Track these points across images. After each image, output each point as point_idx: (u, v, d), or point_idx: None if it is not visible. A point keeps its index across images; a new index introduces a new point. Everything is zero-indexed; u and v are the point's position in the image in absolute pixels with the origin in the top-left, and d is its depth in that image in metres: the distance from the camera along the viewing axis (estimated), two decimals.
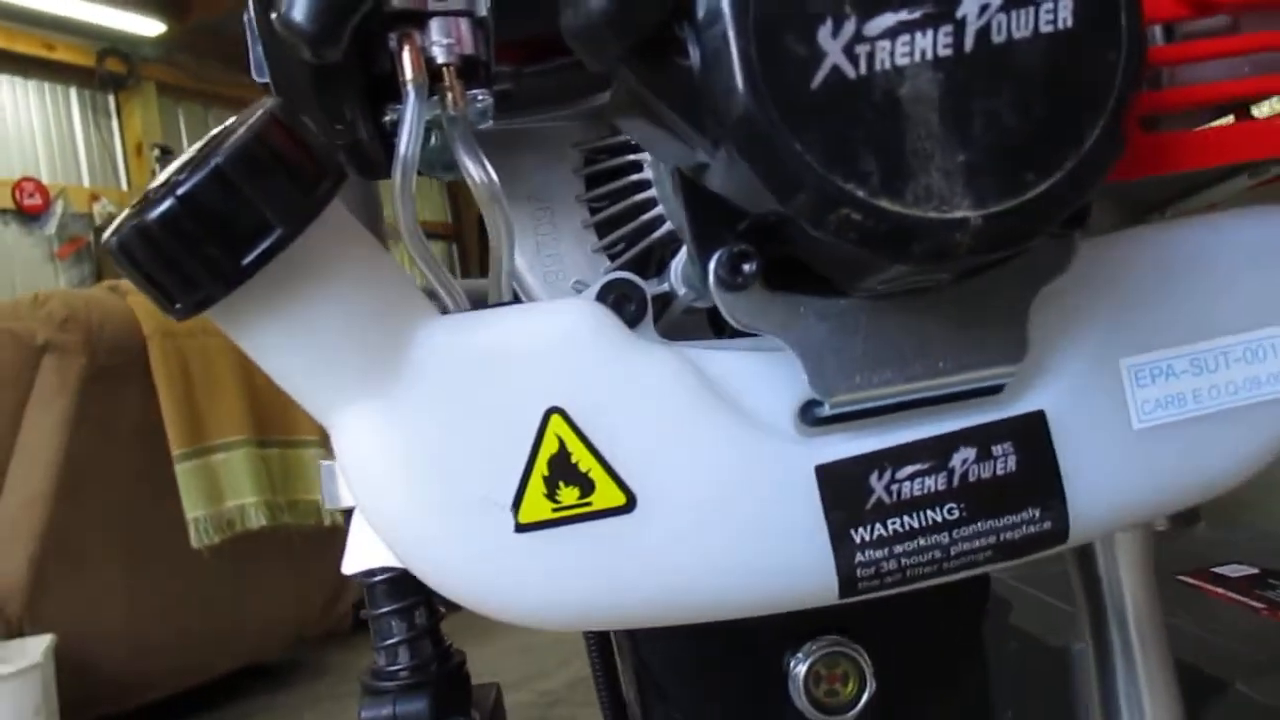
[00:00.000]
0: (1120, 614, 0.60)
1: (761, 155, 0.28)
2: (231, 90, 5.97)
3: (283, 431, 2.70)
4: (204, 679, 2.84)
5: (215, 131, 0.32)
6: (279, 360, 0.33)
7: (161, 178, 0.31)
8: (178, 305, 0.30)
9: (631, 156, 0.46)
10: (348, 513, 0.52)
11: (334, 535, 2.82)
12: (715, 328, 0.48)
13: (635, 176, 0.46)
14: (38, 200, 5.11)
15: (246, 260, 0.30)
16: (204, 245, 0.29)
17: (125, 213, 0.31)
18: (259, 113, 0.31)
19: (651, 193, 0.45)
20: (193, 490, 2.50)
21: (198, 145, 0.32)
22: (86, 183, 5.46)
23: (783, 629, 0.50)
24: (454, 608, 0.55)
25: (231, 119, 0.32)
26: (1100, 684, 0.63)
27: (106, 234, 0.31)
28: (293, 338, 0.32)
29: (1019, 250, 0.31)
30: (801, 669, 0.49)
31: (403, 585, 0.53)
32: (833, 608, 0.49)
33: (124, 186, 5.63)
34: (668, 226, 0.45)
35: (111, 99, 5.61)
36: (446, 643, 0.54)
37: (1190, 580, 1.30)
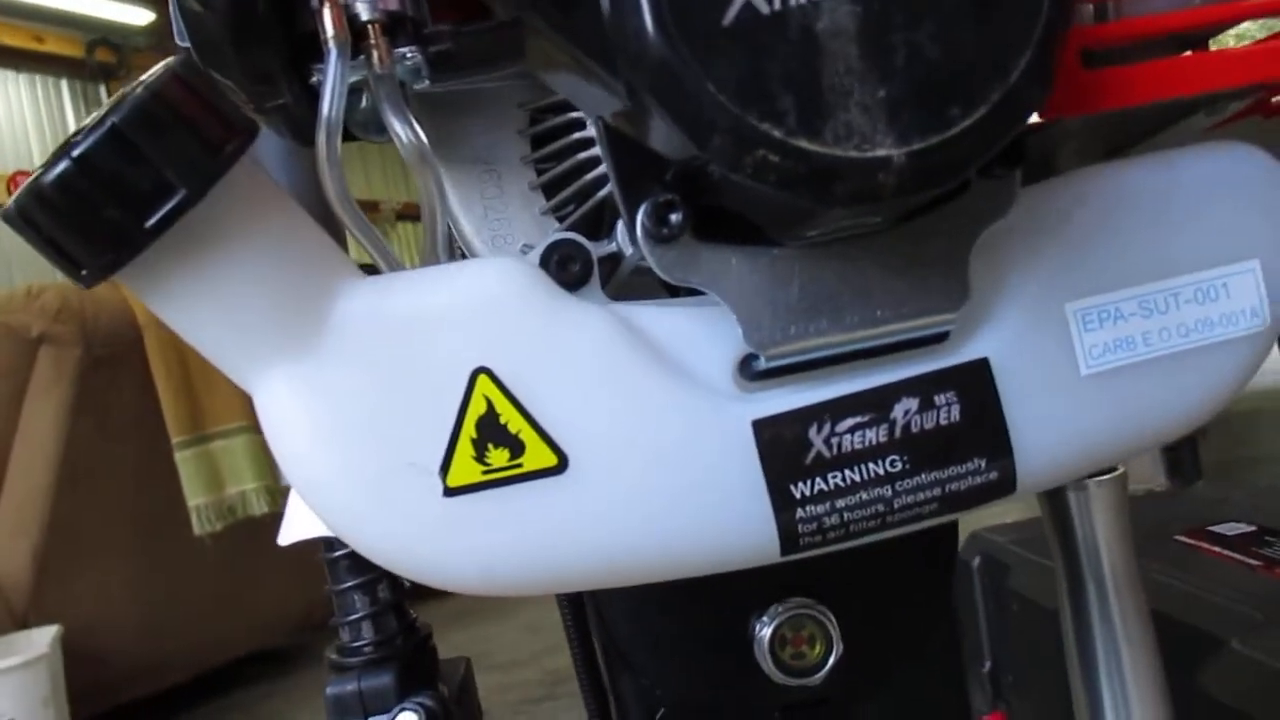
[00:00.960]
0: (1097, 571, 0.59)
1: (674, 97, 0.27)
2: None
3: None
4: (211, 665, 2.85)
5: (120, 92, 0.31)
6: (194, 325, 0.32)
7: (61, 143, 0.30)
8: (84, 271, 0.29)
9: (574, 114, 0.45)
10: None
11: None
12: (668, 289, 0.47)
13: (578, 135, 0.45)
14: None
15: (150, 222, 0.29)
16: (104, 208, 0.28)
17: (26, 183, 0.30)
18: (160, 70, 0.30)
19: (595, 151, 0.44)
20: (193, 478, 2.50)
21: (98, 111, 0.31)
22: None
23: (746, 592, 0.49)
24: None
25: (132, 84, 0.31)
26: (1077, 643, 0.62)
27: (6, 205, 0.30)
28: (206, 302, 0.32)
29: (947, 189, 0.30)
30: (767, 632, 0.48)
31: (364, 560, 0.52)
32: (797, 568, 0.48)
33: None
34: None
35: (103, 89, 5.59)
36: (411, 617, 0.54)
37: (1188, 540, 1.29)
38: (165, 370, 2.50)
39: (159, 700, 2.75)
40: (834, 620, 0.49)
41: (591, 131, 0.44)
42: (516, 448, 0.32)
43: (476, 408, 0.32)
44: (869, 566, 0.50)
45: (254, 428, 2.61)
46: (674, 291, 0.46)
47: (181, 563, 2.61)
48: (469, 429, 0.32)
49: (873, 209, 0.30)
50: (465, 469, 0.32)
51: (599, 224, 0.47)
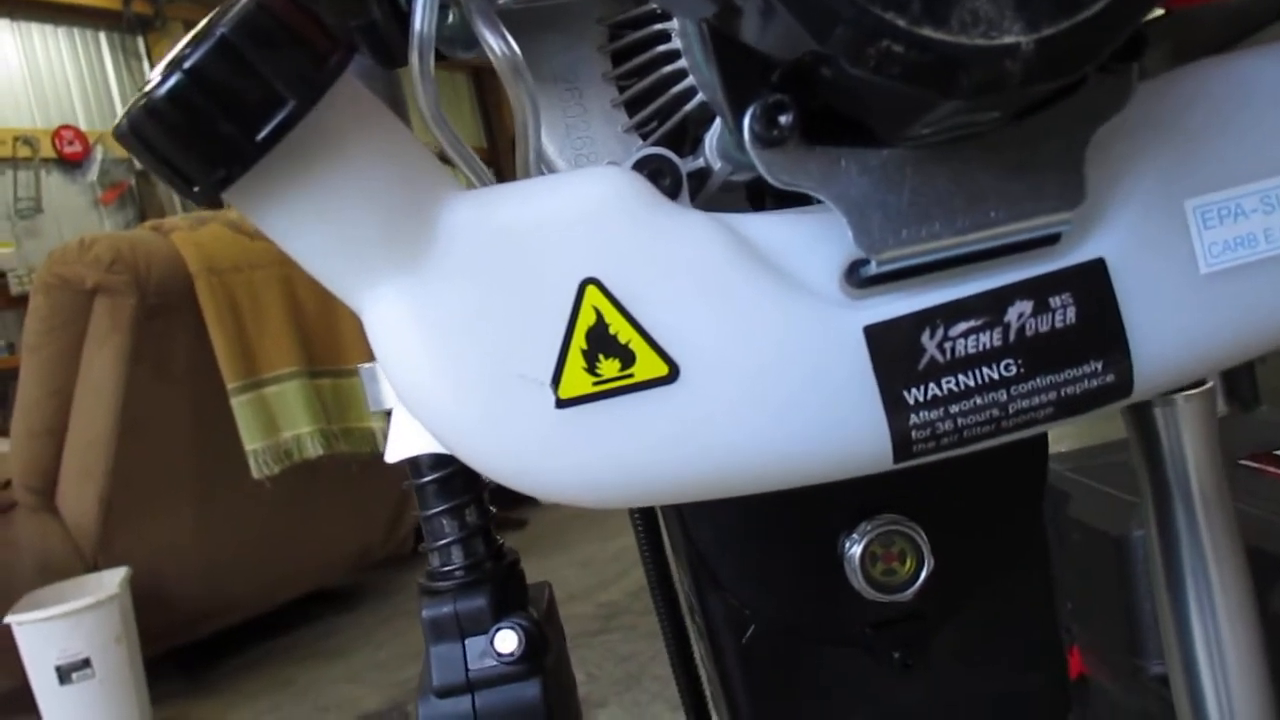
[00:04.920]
0: (1185, 489, 0.58)
1: None
2: None
3: (333, 361, 2.72)
4: (273, 605, 2.92)
5: (218, 9, 0.30)
6: (301, 241, 0.32)
7: (166, 58, 0.30)
8: (196, 187, 0.29)
9: (658, 26, 0.44)
10: (389, 414, 0.52)
11: None
12: (755, 204, 0.46)
13: (663, 48, 0.44)
14: (77, 148, 5.14)
15: (261, 135, 0.29)
16: (216, 121, 0.28)
17: (134, 99, 0.30)
18: None
19: (681, 63, 0.43)
20: (249, 422, 2.54)
21: (201, 24, 0.30)
22: None
23: (836, 510, 0.49)
24: (512, 510, 0.55)
25: None
26: (1165, 564, 0.61)
27: (117, 120, 0.30)
28: (313, 217, 0.31)
29: (1074, 79, 0.29)
30: (857, 549, 0.48)
31: (452, 484, 0.53)
32: (888, 484, 0.48)
33: None
34: (700, 98, 0.43)
35: (141, 41, 5.60)
36: (499, 541, 0.54)
37: (1252, 464, 1.27)
38: (217, 317, 2.53)
39: (223, 639, 2.83)
40: (924, 536, 0.48)
41: (676, 44, 0.43)
42: (627, 358, 0.32)
43: (586, 318, 0.32)
44: (959, 482, 0.50)
45: (305, 372, 2.64)
46: (760, 208, 0.45)
47: (241, 506, 2.66)
48: (579, 340, 0.32)
49: (997, 101, 0.29)
50: (576, 380, 0.32)
51: (681, 140, 0.46)
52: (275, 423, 2.59)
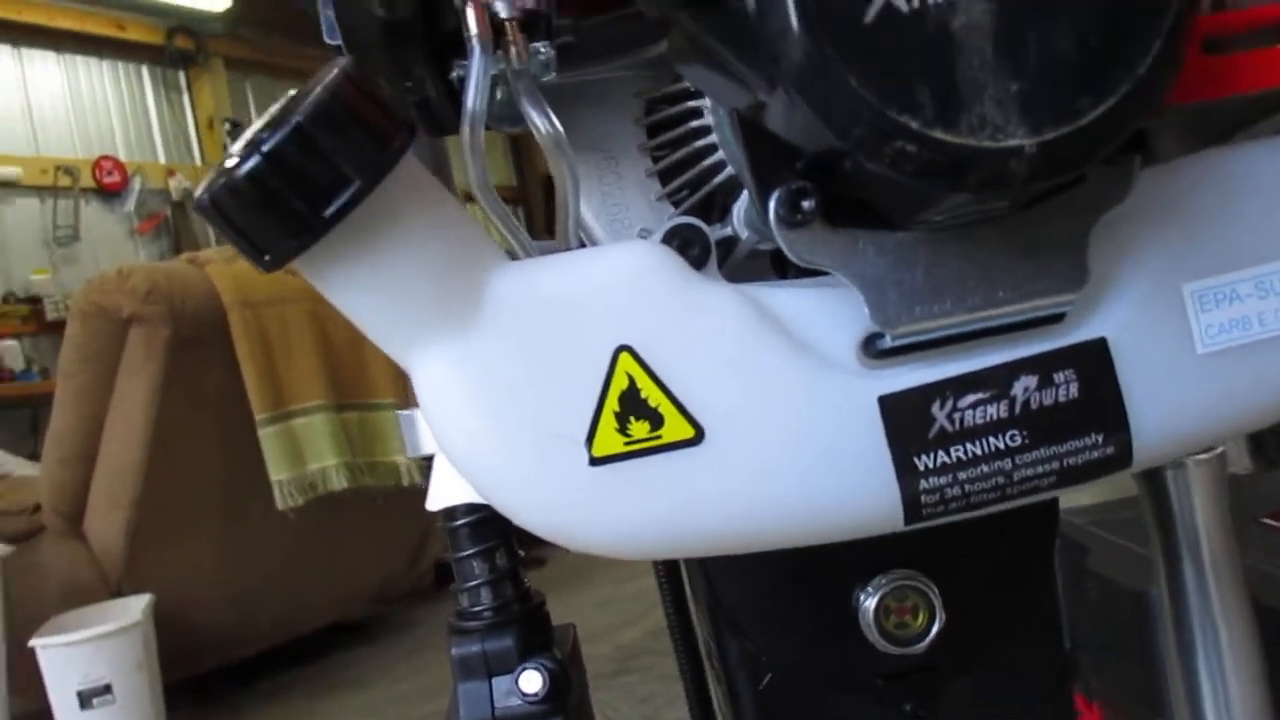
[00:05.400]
0: (1195, 550, 0.60)
1: (817, 93, 0.29)
2: (297, 62, 6.05)
3: (360, 395, 2.76)
4: (294, 636, 2.94)
5: (291, 93, 0.33)
6: (360, 306, 0.35)
7: (244, 139, 0.33)
8: (266, 257, 0.32)
9: (691, 104, 0.47)
10: (428, 460, 0.55)
11: (414, 495, 2.89)
12: (778, 271, 0.48)
13: (695, 123, 0.47)
14: (116, 178, 5.25)
15: (328, 212, 0.31)
16: (289, 199, 0.31)
17: (211, 173, 0.33)
18: (334, 72, 0.32)
19: (712, 138, 0.46)
20: (276, 454, 2.58)
21: (275, 107, 0.33)
22: (162, 159, 5.60)
23: (852, 564, 0.51)
24: (532, 549, 0.57)
25: (308, 83, 0.33)
26: (1175, 623, 0.63)
27: (198, 193, 0.33)
28: (372, 284, 0.34)
29: (1076, 177, 0.32)
30: (872, 602, 0.50)
31: (483, 529, 0.55)
32: (901, 541, 0.50)
33: (198, 161, 5.76)
34: (729, 171, 0.46)
35: (182, 75, 5.73)
36: (526, 584, 0.56)
37: (1274, 522, 1.28)
38: (249, 350, 2.58)
39: (243, 668, 2.85)
40: (936, 591, 0.50)
41: (708, 120, 0.46)
42: (656, 420, 0.35)
43: (619, 383, 0.35)
44: (971, 540, 0.52)
45: (333, 406, 2.68)
46: (782, 274, 0.48)
47: (265, 536, 2.69)
48: (612, 402, 0.35)
49: (1003, 195, 0.32)
50: (609, 440, 0.35)
51: (710, 209, 0.48)
52: (302, 455, 2.63)
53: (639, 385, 0.35)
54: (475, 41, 0.38)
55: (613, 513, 0.35)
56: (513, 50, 0.39)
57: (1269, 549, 1.20)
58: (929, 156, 0.29)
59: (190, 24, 5.58)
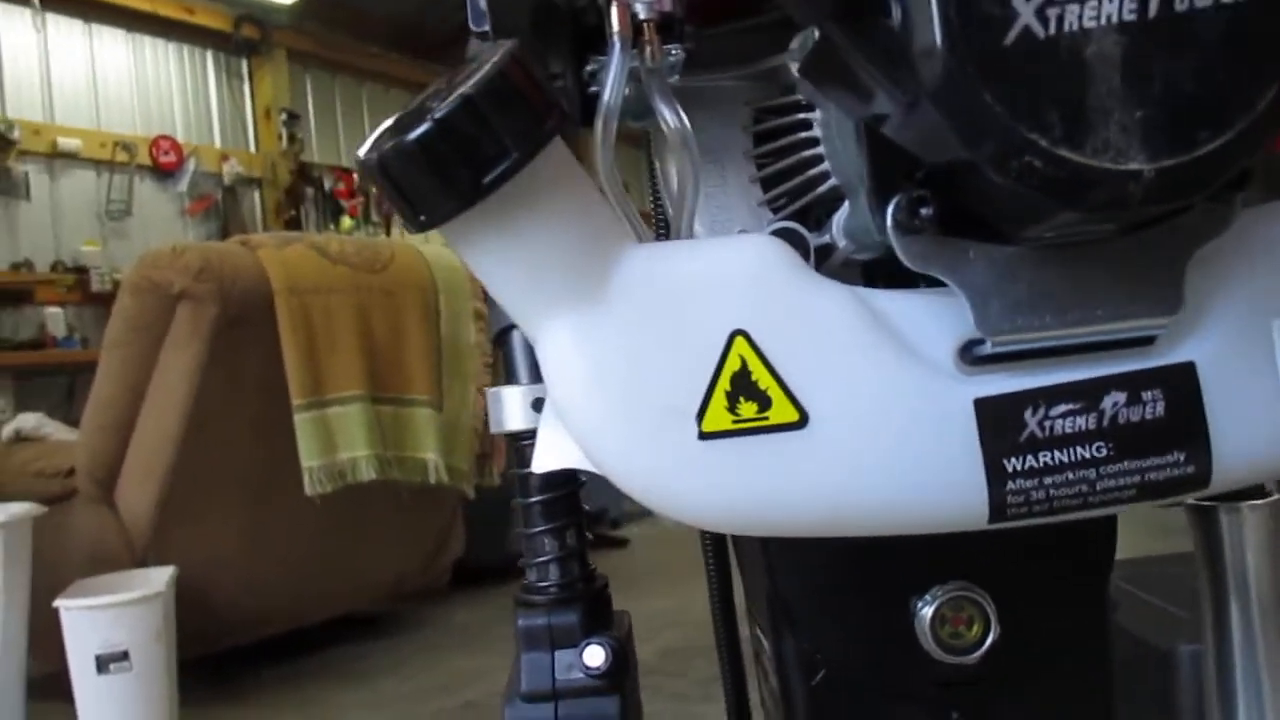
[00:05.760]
0: (1243, 594, 0.61)
1: (955, 106, 0.31)
2: (357, 59, 6.16)
3: (397, 390, 2.80)
4: (308, 623, 2.96)
5: (454, 72, 0.36)
6: (497, 275, 0.37)
7: (408, 109, 0.35)
8: (422, 217, 0.35)
9: (801, 115, 0.49)
10: (510, 436, 0.57)
11: (439, 493, 2.92)
12: (868, 281, 0.51)
13: (803, 134, 0.49)
14: (172, 158, 5.34)
15: (487, 180, 0.34)
16: (452, 164, 0.34)
17: (377, 135, 0.35)
18: (502, 52, 0.35)
19: (819, 150, 0.48)
20: (309, 440, 2.61)
21: (431, 88, 0.36)
22: (218, 143, 5.69)
23: (913, 571, 0.53)
24: (592, 546, 0.59)
25: (475, 62, 0.36)
26: (1217, 669, 0.64)
27: (363, 152, 0.35)
28: (513, 254, 0.37)
29: (1185, 205, 0.34)
30: (929, 610, 0.52)
31: (555, 507, 0.57)
32: (961, 553, 0.52)
33: (252, 149, 5.85)
34: (831, 182, 0.48)
35: (245, 64, 5.83)
36: (591, 565, 0.58)
37: None
38: (293, 335, 2.62)
39: (255, 650, 2.87)
40: (992, 604, 0.52)
41: (816, 132, 0.48)
42: (764, 402, 0.37)
43: (732, 364, 0.37)
44: (1030, 557, 0.54)
45: (369, 397, 2.71)
46: (871, 285, 0.50)
47: (290, 521, 2.72)
48: (724, 382, 0.37)
49: (1116, 217, 0.34)
50: (718, 417, 0.37)
51: (806, 218, 0.51)
52: (334, 443, 2.66)
53: (750, 368, 0.37)
54: (616, 38, 0.40)
55: (715, 486, 0.37)
56: (648, 49, 0.42)
57: None
58: (1053, 173, 0.31)
59: (257, 14, 5.69)
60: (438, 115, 0.33)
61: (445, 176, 0.34)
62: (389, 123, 0.36)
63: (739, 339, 0.37)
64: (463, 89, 0.34)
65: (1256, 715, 0.62)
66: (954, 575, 0.53)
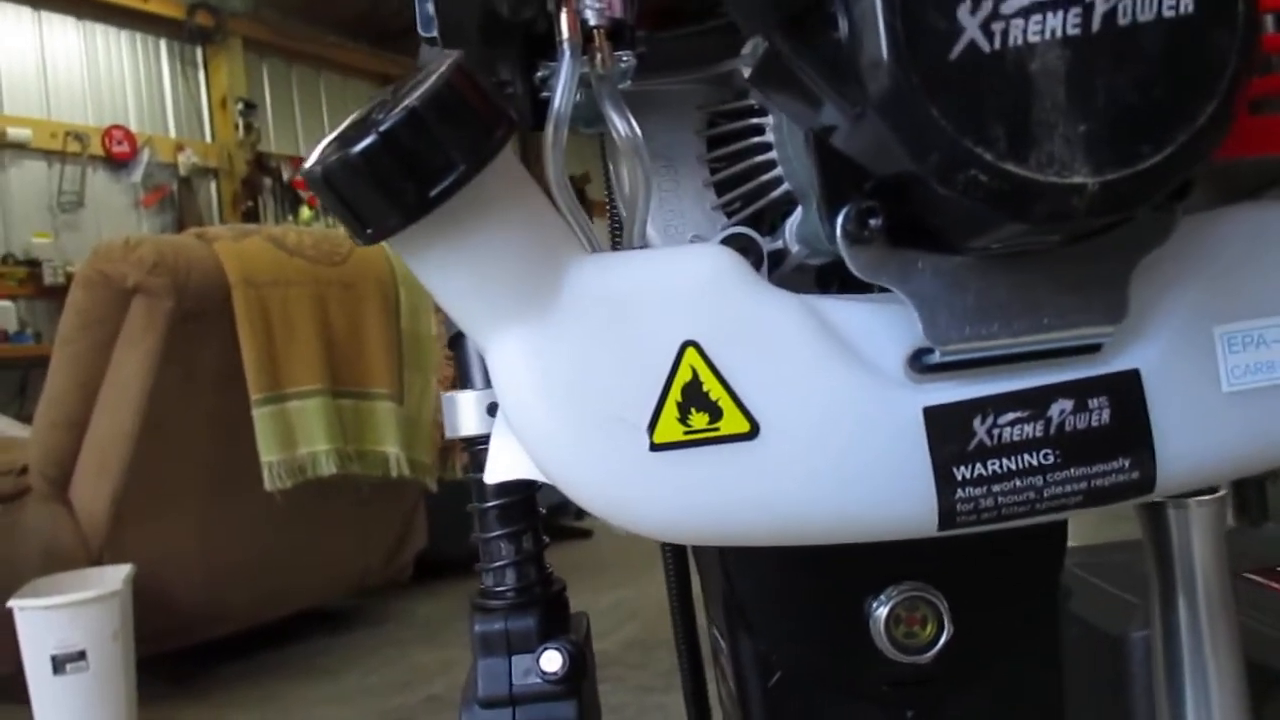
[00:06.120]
0: (1190, 588, 0.62)
1: (901, 119, 0.32)
2: (314, 48, 6.09)
3: (357, 383, 2.77)
4: (269, 619, 2.93)
5: (400, 82, 0.36)
6: (447, 287, 0.37)
7: (352, 120, 0.35)
8: (369, 230, 0.34)
9: (754, 120, 0.49)
10: (465, 442, 0.57)
11: (401, 487, 2.91)
12: (821, 286, 0.51)
13: (756, 139, 0.49)
14: (126, 148, 5.26)
15: (433, 193, 0.34)
16: (397, 178, 0.33)
17: (322, 148, 0.35)
18: (447, 63, 0.34)
19: (771, 155, 0.48)
20: (268, 435, 2.58)
21: (377, 98, 0.36)
22: (172, 133, 5.61)
23: (868, 571, 0.53)
24: (556, 537, 0.59)
25: (420, 72, 0.35)
26: (1165, 661, 0.65)
27: (308, 164, 0.35)
28: (461, 266, 0.36)
29: (1128, 217, 0.34)
30: (883, 611, 0.52)
31: (512, 512, 0.57)
32: (916, 554, 0.52)
33: (208, 139, 5.77)
34: (785, 187, 0.48)
35: (199, 52, 5.74)
36: (549, 569, 0.58)
37: (1257, 578, 1.31)
38: (250, 329, 2.59)
39: (215, 647, 2.85)
40: (946, 604, 0.52)
41: (769, 137, 0.48)
42: (715, 413, 0.37)
43: (683, 375, 0.37)
44: (982, 558, 0.54)
45: (329, 391, 2.69)
46: (824, 289, 0.50)
47: (249, 516, 2.69)
48: (675, 393, 0.37)
49: (1061, 228, 0.34)
50: (670, 428, 0.37)
51: (760, 222, 0.51)
52: (294, 437, 2.63)
53: (701, 379, 0.37)
54: (566, 45, 0.40)
55: (667, 497, 0.37)
56: (599, 56, 0.41)
57: (1252, 604, 1.22)
58: (998, 186, 0.31)
59: (211, 1, 5.60)
60: (382, 128, 0.33)
61: (391, 190, 0.33)
62: (334, 134, 0.35)
63: (690, 350, 0.37)
64: (407, 100, 0.33)
65: (1204, 701, 0.63)
66: (908, 576, 0.53)
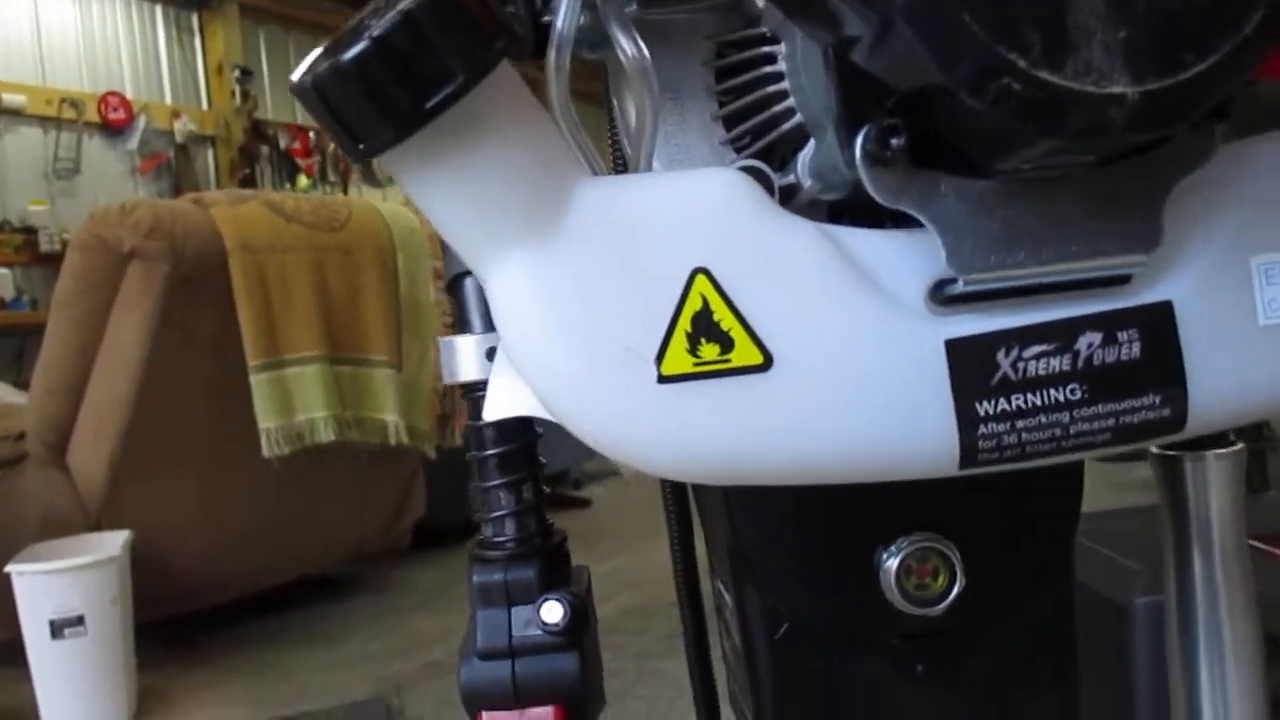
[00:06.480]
0: (1206, 541, 0.61)
1: (930, 26, 0.29)
2: (311, 14, 6.01)
3: (355, 350, 2.76)
4: (267, 585, 2.93)
5: None
6: (444, 209, 0.35)
7: (347, 26, 0.33)
8: (362, 145, 0.32)
9: (765, 49, 0.47)
10: (465, 387, 0.55)
11: (399, 454, 2.89)
12: (834, 222, 0.49)
13: (768, 69, 0.47)
14: (122, 115, 5.21)
15: (429, 104, 0.32)
16: (392, 87, 0.31)
17: (313, 57, 0.33)
18: None
19: (783, 85, 0.46)
20: (266, 401, 2.57)
21: (374, 3, 0.33)
22: (169, 100, 5.55)
23: (878, 521, 0.52)
24: (555, 506, 0.58)
25: None
26: (1179, 615, 0.63)
27: (297, 75, 0.33)
28: (459, 187, 0.34)
29: (1168, 132, 0.32)
30: (894, 562, 0.51)
31: (512, 460, 0.55)
32: (927, 504, 0.51)
33: (204, 106, 5.72)
34: (797, 119, 0.46)
35: (195, 18, 5.68)
36: (549, 520, 0.57)
37: (1260, 545, 1.30)
38: (248, 295, 2.57)
39: (214, 614, 2.84)
40: (958, 555, 0.51)
41: (780, 66, 0.46)
42: (726, 344, 0.35)
43: (693, 304, 0.35)
44: (995, 507, 0.52)
45: (327, 358, 2.67)
46: (838, 224, 0.48)
47: (247, 482, 2.68)
48: (684, 323, 0.35)
49: (1096, 145, 0.32)
50: (678, 359, 0.35)
51: (769, 158, 0.49)
52: (292, 404, 2.62)
53: (712, 308, 0.35)
54: None
55: (675, 431, 0.35)
56: None
57: (1254, 570, 1.21)
58: (1032, 96, 0.29)
59: None
60: (376, 33, 0.31)
61: (384, 100, 0.31)
62: (325, 44, 0.33)
63: (700, 277, 0.35)
64: (403, 5, 0.31)
65: (1218, 663, 0.62)
66: (920, 526, 0.51)
